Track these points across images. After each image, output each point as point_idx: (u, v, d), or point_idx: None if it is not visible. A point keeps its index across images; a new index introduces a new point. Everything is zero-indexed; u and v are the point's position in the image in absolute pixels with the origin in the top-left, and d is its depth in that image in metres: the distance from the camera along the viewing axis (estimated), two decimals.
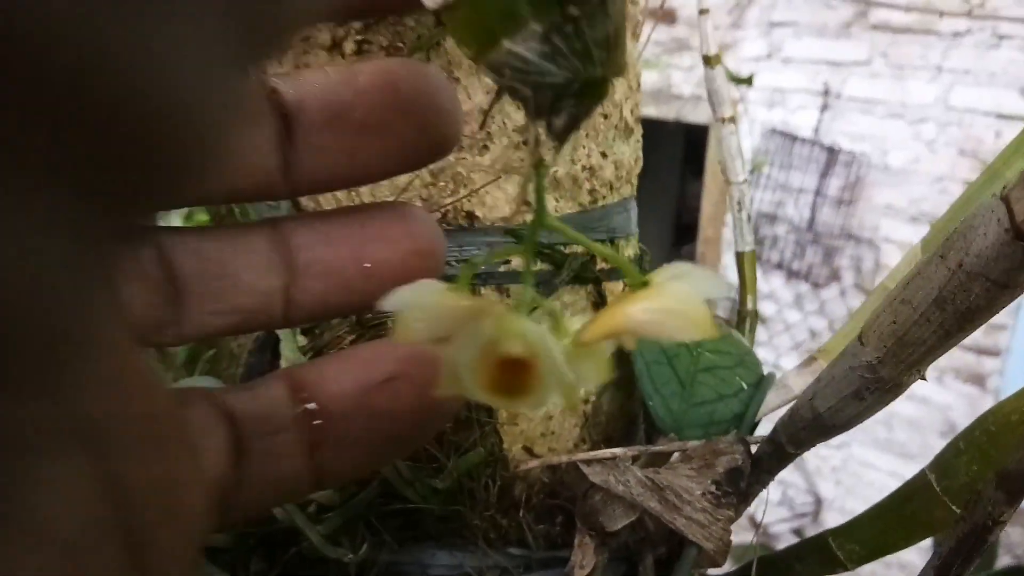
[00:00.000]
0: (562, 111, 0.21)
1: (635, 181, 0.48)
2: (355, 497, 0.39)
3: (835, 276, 2.79)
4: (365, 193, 0.40)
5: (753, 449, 0.42)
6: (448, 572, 0.43)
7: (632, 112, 0.46)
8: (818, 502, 2.89)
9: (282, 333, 0.39)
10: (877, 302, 0.47)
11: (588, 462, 0.43)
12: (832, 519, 2.82)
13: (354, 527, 0.40)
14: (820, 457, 2.81)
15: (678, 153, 3.80)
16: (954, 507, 0.37)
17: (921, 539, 0.39)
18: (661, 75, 3.06)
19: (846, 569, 0.41)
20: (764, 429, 0.46)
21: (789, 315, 2.86)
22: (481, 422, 0.42)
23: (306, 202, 0.40)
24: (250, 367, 0.42)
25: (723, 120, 0.61)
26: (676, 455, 0.42)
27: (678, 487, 0.40)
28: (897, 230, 2.66)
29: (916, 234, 2.59)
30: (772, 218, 2.87)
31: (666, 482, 0.40)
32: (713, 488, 0.40)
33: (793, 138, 2.82)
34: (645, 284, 0.23)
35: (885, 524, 0.39)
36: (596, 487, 0.43)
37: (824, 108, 2.79)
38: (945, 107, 2.52)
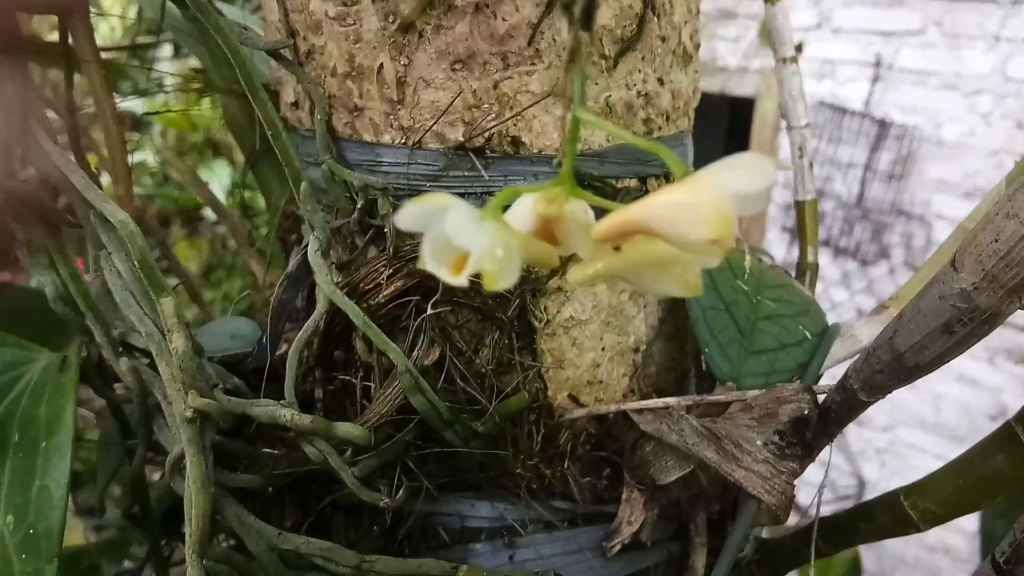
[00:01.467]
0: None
1: (692, 115, 0.45)
2: (391, 439, 0.37)
3: (884, 253, 2.70)
4: (404, 116, 0.37)
5: (820, 399, 0.39)
6: (488, 524, 0.41)
7: (691, 38, 0.43)
8: (861, 484, 2.82)
9: (316, 267, 0.37)
10: (957, 245, 0.43)
11: (639, 411, 0.40)
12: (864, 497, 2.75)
13: (391, 472, 0.38)
14: (864, 439, 2.74)
15: (721, 127, 3.72)
16: None
17: (1006, 496, 0.35)
18: (706, 46, 2.98)
19: (918, 530, 0.38)
20: (826, 383, 0.43)
21: (835, 294, 2.78)
22: (524, 366, 0.40)
23: None
24: (282, 303, 0.40)
25: (784, 60, 0.58)
26: (735, 405, 0.39)
27: (737, 437, 0.37)
28: (950, 206, 2.56)
29: (970, 210, 2.49)
30: (819, 194, 2.78)
31: (724, 431, 0.37)
32: (776, 439, 0.37)
33: (843, 111, 2.73)
34: (685, 176, 0.20)
35: (966, 482, 0.36)
36: (647, 437, 0.40)
37: (875, 80, 2.69)
38: (1003, 78, 2.41)
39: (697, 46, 0.44)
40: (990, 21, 2.41)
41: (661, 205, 0.18)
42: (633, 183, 0.41)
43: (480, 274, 0.19)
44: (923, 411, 2.62)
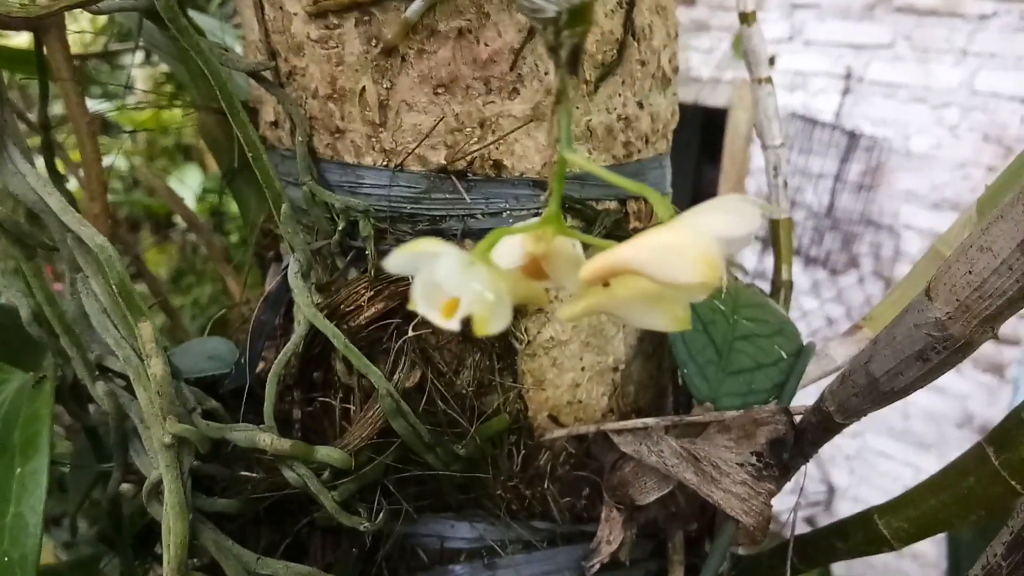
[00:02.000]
0: (563, 43, 0.21)
1: (670, 137, 0.46)
2: (371, 462, 0.36)
3: (853, 263, 2.74)
4: (386, 139, 0.37)
5: (796, 420, 0.39)
6: (467, 545, 0.41)
7: (670, 61, 0.43)
8: (831, 491, 2.85)
9: (296, 288, 0.37)
10: (930, 266, 0.44)
11: (619, 431, 0.40)
12: (845, 508, 2.79)
13: (370, 495, 0.38)
14: (834, 445, 2.76)
15: (695, 138, 3.75)
16: (1014, 483, 0.34)
17: (977, 516, 0.36)
18: (679, 56, 3.01)
19: (892, 548, 0.39)
20: (799, 402, 0.43)
21: (805, 302, 2.81)
22: (505, 387, 0.40)
23: None
24: (261, 324, 0.40)
25: (760, 81, 0.59)
26: (713, 426, 0.40)
27: (716, 458, 0.37)
28: (918, 216, 2.60)
29: (937, 221, 2.54)
30: (790, 203, 2.82)
31: (703, 453, 0.37)
32: (754, 460, 0.37)
33: (814, 122, 2.77)
34: (671, 217, 0.21)
35: (938, 501, 0.37)
36: (626, 457, 0.40)
37: (846, 92, 2.73)
38: (970, 91, 2.46)
39: (675, 69, 0.45)
40: (958, 36, 2.46)
41: (647, 248, 0.18)
42: (613, 205, 0.41)
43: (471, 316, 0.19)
44: (891, 418, 2.66)
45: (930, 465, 2.69)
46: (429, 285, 0.19)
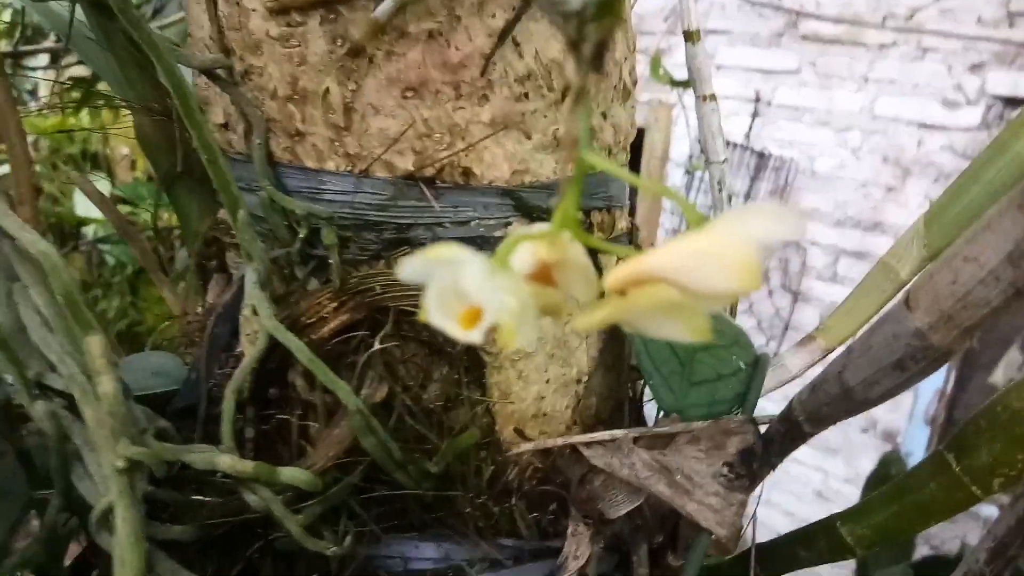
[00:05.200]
0: (587, 38, 0.21)
1: (629, 149, 0.46)
2: (336, 483, 0.35)
3: (763, 276, 2.84)
4: (351, 143, 0.36)
5: (762, 430, 0.39)
6: (433, 565, 0.39)
7: (630, 74, 0.43)
8: None
9: (256, 300, 0.35)
10: (879, 277, 0.45)
11: (588, 444, 0.40)
12: (760, 512, 2.86)
13: (334, 516, 0.36)
14: None
15: None
16: (975, 488, 0.35)
17: (938, 521, 0.37)
18: None
19: (855, 555, 0.39)
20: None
21: None
22: (473, 401, 0.39)
23: None
24: (215, 337, 0.37)
25: (704, 98, 0.60)
26: (681, 437, 0.40)
27: (688, 469, 0.37)
28: (823, 233, 2.72)
29: (841, 237, 2.66)
30: (704, 220, 2.90)
31: (675, 464, 0.37)
32: (725, 470, 0.37)
33: (725, 143, 2.87)
34: (701, 223, 0.20)
35: (900, 507, 0.37)
36: (596, 471, 0.40)
37: (755, 115, 2.84)
38: (870, 116, 2.59)
39: (635, 82, 0.45)
40: (859, 64, 2.59)
41: (681, 255, 0.17)
42: (579, 216, 0.41)
43: (461, 320, 0.18)
44: None
45: (838, 469, 2.79)
46: (445, 294, 0.18)
